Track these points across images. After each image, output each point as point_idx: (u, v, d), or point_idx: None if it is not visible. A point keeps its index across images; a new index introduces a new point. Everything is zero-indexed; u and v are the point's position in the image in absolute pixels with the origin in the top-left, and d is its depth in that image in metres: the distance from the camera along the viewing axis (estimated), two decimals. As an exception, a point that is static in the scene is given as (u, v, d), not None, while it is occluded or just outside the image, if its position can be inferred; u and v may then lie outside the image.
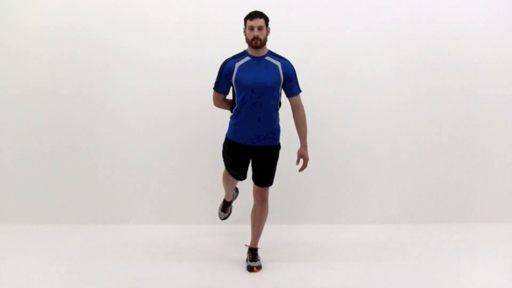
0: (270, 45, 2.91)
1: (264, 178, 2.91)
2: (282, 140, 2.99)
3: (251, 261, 2.96)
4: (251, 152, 2.90)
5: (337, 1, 3.72)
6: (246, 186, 3.20)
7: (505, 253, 3.26)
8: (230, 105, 3.00)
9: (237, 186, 3.44)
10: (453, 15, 3.74)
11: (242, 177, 3.03)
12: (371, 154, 3.83)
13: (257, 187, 2.94)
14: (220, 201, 3.50)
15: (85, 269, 2.92)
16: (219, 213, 3.44)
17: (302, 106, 2.92)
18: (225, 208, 3.39)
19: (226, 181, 3.18)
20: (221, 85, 2.90)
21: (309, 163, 2.96)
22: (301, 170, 2.94)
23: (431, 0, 3.74)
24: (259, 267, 2.93)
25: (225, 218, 3.44)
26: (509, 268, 3.03)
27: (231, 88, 2.92)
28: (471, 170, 3.87)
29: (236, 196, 3.50)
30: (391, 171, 3.85)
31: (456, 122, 3.82)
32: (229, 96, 3.00)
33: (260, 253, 3.05)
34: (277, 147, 2.94)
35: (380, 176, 3.85)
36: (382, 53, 3.76)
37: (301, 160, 2.93)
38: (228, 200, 3.36)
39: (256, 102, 2.80)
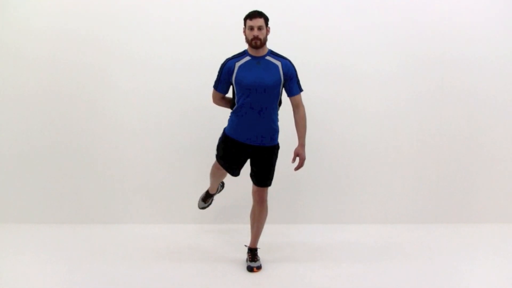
0: (271, 45, 2.91)
1: (263, 179, 2.91)
2: (282, 140, 2.98)
3: (251, 261, 2.96)
4: (248, 151, 2.90)
5: (337, 1, 3.72)
6: (246, 185, 3.19)
7: (505, 253, 3.26)
8: (229, 103, 3.01)
9: (236, 185, 3.45)
10: (453, 15, 3.74)
11: (236, 172, 3.00)
12: (371, 154, 3.83)
13: (256, 187, 2.94)
14: (220, 201, 3.50)
15: (85, 269, 2.92)
16: (199, 202, 3.46)
17: (302, 106, 2.90)
18: (207, 199, 3.42)
19: (213, 175, 3.18)
20: (221, 84, 2.91)
21: (309, 163, 2.96)
22: (296, 169, 2.90)
23: (431, 0, 3.74)
24: (259, 267, 2.93)
25: (203, 208, 3.47)
26: (509, 268, 3.03)
27: (232, 87, 2.92)
28: (471, 170, 3.86)
29: (220, 190, 3.49)
30: (391, 171, 3.85)
31: (456, 122, 3.82)
32: (229, 94, 3.00)
33: (260, 253, 3.05)
34: (276, 147, 2.94)
35: (380, 176, 3.85)
36: (382, 53, 3.76)
37: (297, 159, 2.91)
38: (212, 192, 3.36)
39: (256, 102, 2.79)
